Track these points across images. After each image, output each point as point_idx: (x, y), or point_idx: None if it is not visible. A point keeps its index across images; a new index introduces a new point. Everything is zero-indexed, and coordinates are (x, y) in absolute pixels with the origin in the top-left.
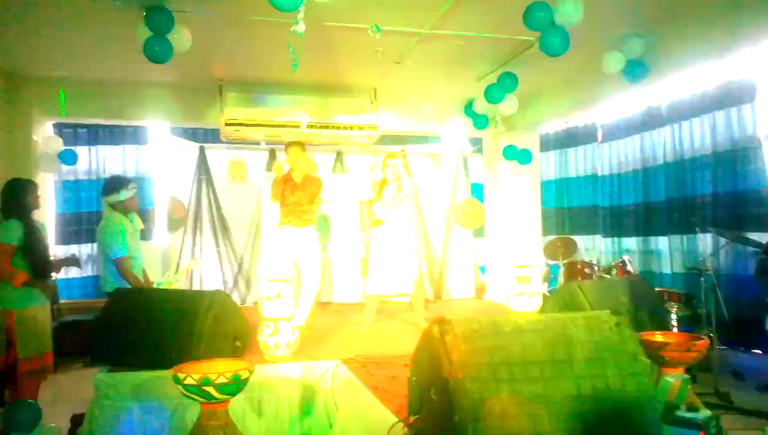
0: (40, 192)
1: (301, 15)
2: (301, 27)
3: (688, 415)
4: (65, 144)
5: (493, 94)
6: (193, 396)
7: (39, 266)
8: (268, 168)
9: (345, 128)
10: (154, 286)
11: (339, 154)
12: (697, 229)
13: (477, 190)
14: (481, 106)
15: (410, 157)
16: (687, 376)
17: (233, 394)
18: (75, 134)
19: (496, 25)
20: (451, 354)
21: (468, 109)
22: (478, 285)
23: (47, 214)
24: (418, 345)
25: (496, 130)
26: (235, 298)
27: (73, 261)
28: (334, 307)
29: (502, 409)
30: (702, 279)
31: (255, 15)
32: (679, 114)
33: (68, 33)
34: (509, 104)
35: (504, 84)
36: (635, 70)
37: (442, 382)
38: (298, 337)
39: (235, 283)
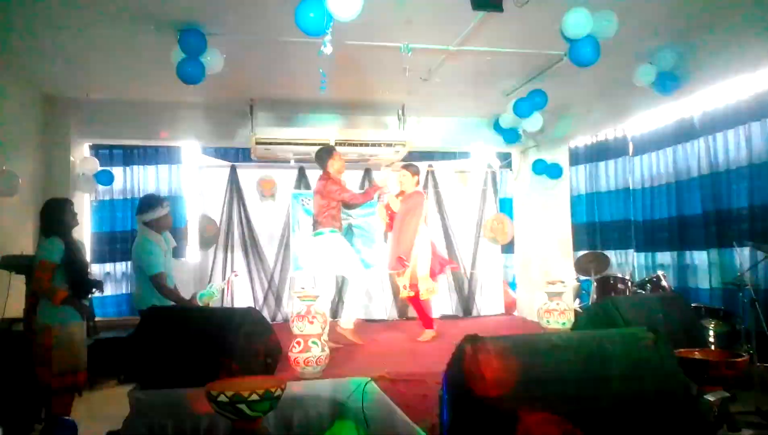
0: (76, 211)
1: (328, 38)
2: (328, 49)
3: (730, 434)
4: (101, 165)
5: (521, 108)
6: (226, 413)
7: (78, 284)
8: (298, 186)
9: (373, 145)
10: (197, 297)
11: (367, 171)
12: (734, 242)
13: (506, 205)
14: (508, 120)
15: (438, 172)
16: (727, 394)
17: (265, 411)
18: (110, 155)
19: (523, 40)
20: (484, 372)
21: (496, 124)
22: (508, 301)
23: (83, 233)
24: (450, 362)
25: (523, 144)
26: (266, 314)
27: (96, 284)
28: (363, 324)
29: (537, 428)
30: (740, 294)
31: (285, 36)
32: (713, 125)
33: (104, 56)
34: (534, 121)
35: (534, 101)
36: (667, 82)
37: (475, 401)
38: (328, 353)
39: (266, 299)
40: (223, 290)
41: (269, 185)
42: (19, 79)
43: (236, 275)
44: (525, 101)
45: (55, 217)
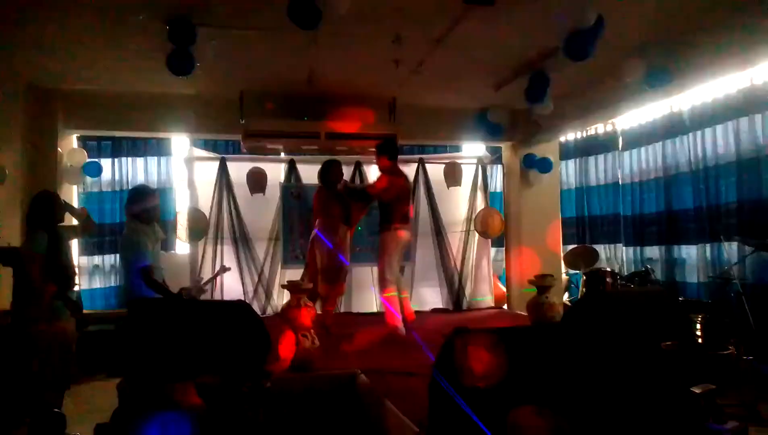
0: (64, 206)
1: (318, 32)
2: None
3: (716, 426)
4: (89, 156)
5: (533, 94)
6: (216, 406)
7: (63, 277)
8: (288, 178)
9: (364, 138)
10: (186, 291)
11: (358, 164)
12: (722, 237)
13: (496, 199)
14: (496, 114)
15: (428, 165)
16: (714, 386)
17: (254, 404)
18: (99, 146)
19: (514, 34)
20: (473, 364)
21: (481, 117)
22: (498, 294)
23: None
24: (439, 355)
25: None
26: (255, 307)
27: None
28: (352, 317)
29: (525, 420)
30: (727, 288)
31: (275, 28)
32: (702, 120)
33: (92, 47)
34: (547, 105)
35: (540, 83)
36: (656, 77)
37: (464, 393)
38: (318, 347)
39: (255, 292)
40: (212, 285)
41: (259, 178)
42: (5, 69)
43: (228, 270)
44: (532, 87)
45: (41, 210)
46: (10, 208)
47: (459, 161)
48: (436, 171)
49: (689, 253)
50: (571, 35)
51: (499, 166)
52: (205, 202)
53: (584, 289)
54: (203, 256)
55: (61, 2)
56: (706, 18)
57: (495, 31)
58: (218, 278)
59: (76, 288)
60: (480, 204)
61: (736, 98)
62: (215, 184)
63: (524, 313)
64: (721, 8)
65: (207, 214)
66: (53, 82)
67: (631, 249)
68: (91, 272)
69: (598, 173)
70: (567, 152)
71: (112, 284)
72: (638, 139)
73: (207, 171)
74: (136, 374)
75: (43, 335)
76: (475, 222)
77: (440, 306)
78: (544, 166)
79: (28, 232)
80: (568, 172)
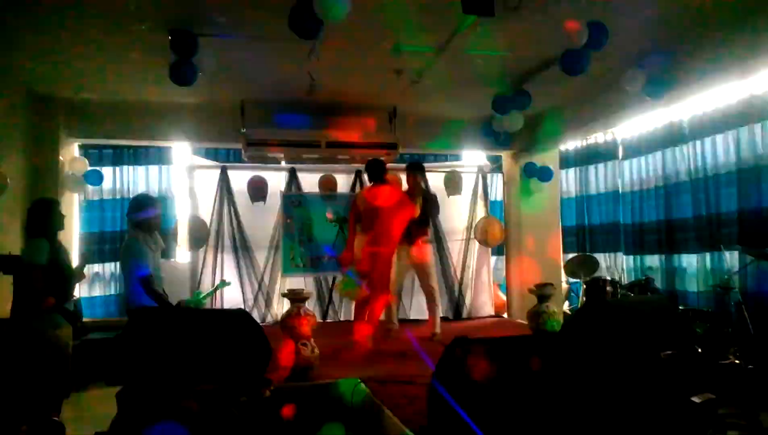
0: (65, 212)
1: (318, 42)
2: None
3: None
4: (90, 165)
5: (501, 105)
6: (215, 415)
7: (62, 287)
8: (288, 187)
9: (365, 147)
10: (184, 303)
11: (358, 173)
12: (722, 246)
13: (496, 208)
14: (500, 123)
15: (429, 174)
16: (714, 396)
17: (255, 413)
18: (100, 155)
19: (514, 43)
20: (473, 373)
21: (486, 126)
22: (498, 303)
23: (72, 233)
24: (439, 364)
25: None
26: (255, 316)
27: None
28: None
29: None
30: (727, 297)
31: (276, 37)
32: (702, 129)
33: (94, 56)
34: (515, 120)
35: (516, 101)
36: (656, 86)
37: (463, 402)
38: (317, 355)
39: (256, 301)
40: (211, 298)
41: (260, 186)
42: (7, 77)
43: (228, 284)
44: (505, 99)
45: (41, 218)
46: (11, 216)
47: (459, 170)
48: (436, 180)
49: (690, 261)
50: (566, 51)
51: (500, 175)
52: (206, 210)
53: (584, 298)
54: (203, 265)
55: (62, 11)
56: (705, 27)
57: (496, 40)
58: (217, 293)
59: (75, 296)
60: (480, 212)
61: (736, 108)
62: (216, 193)
63: (524, 322)
64: (720, 18)
65: (207, 222)
66: (55, 91)
67: (631, 258)
68: (91, 280)
69: (598, 182)
70: (567, 161)
71: (112, 292)
72: (638, 148)
73: (208, 179)
74: (135, 383)
75: (41, 345)
76: (476, 230)
77: (440, 314)
78: (545, 174)
79: (29, 241)
80: (568, 180)
